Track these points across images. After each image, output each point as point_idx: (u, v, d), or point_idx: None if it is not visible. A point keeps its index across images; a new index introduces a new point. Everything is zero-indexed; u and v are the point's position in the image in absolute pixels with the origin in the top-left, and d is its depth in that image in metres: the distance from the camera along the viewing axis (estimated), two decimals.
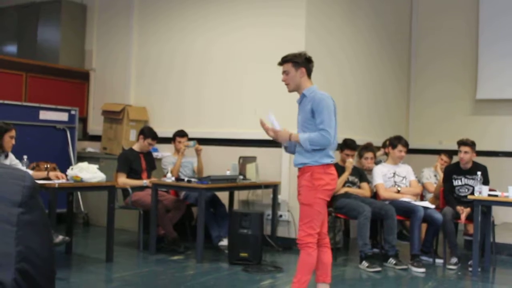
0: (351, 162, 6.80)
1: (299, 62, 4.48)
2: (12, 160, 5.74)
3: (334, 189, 4.56)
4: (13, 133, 5.71)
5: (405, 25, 9.80)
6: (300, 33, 7.29)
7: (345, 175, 6.71)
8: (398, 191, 6.75)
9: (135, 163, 7.00)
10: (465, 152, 6.58)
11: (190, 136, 7.71)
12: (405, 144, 6.90)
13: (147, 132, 7.10)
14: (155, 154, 7.60)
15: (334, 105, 4.47)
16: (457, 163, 6.73)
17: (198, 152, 7.22)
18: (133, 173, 6.97)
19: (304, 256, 4.34)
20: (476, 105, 9.30)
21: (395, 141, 6.84)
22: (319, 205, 4.33)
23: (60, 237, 5.63)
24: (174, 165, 7.09)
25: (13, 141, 5.72)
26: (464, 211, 6.31)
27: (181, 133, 7.32)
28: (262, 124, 4.46)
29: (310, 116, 4.38)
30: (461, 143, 6.64)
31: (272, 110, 4.52)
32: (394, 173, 6.84)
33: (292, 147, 4.52)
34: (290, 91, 4.57)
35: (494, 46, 9.03)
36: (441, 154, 7.90)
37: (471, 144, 6.58)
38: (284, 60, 4.52)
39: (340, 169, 6.79)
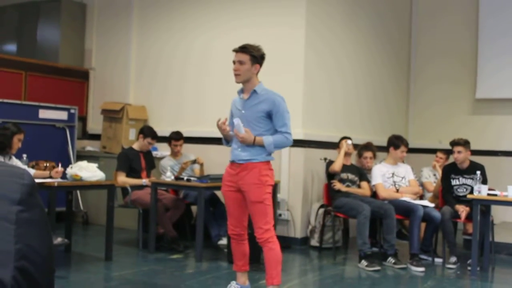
0: (346, 144, 6.84)
1: (257, 58, 4.42)
2: (14, 162, 5.75)
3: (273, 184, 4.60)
4: (22, 136, 5.74)
5: (405, 24, 9.80)
6: (300, 32, 7.29)
7: (341, 155, 6.81)
8: (397, 191, 6.76)
9: (134, 162, 7.01)
10: (458, 152, 6.59)
11: (190, 135, 7.72)
12: (407, 144, 6.91)
13: (147, 132, 7.11)
14: (154, 153, 7.60)
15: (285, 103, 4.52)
16: (455, 163, 6.73)
17: (198, 162, 7.31)
18: (133, 172, 6.97)
19: (267, 251, 4.40)
20: (475, 104, 9.31)
21: (397, 142, 6.83)
22: (268, 200, 4.40)
23: (59, 239, 5.63)
24: (177, 173, 7.07)
25: (20, 144, 5.74)
26: (464, 211, 6.31)
27: (176, 136, 7.31)
28: (220, 126, 4.48)
29: (264, 115, 4.39)
30: (454, 143, 6.65)
31: (237, 119, 4.42)
32: (393, 173, 6.84)
33: (230, 141, 4.60)
34: (237, 82, 4.48)
35: (493, 45, 9.03)
36: (437, 152, 7.91)
37: (464, 144, 6.58)
38: (243, 50, 4.43)
39: (355, 169, 6.85)
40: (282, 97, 4.48)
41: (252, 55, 4.39)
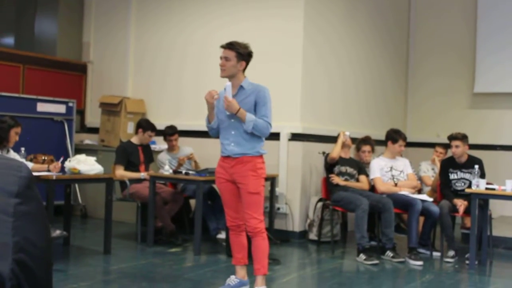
0: (343, 134, 6.85)
1: (243, 55, 4.54)
2: (12, 155, 5.74)
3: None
4: (19, 129, 5.72)
5: (403, 18, 9.79)
6: (298, 24, 7.28)
7: (339, 143, 6.83)
8: (395, 185, 6.76)
9: (133, 155, 7.00)
10: (456, 146, 6.58)
11: (188, 128, 7.72)
12: (405, 138, 6.91)
13: (146, 125, 7.09)
14: (153, 147, 7.59)
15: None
16: (453, 157, 6.73)
17: (192, 159, 7.32)
18: (131, 166, 6.96)
19: (260, 241, 4.52)
20: (473, 98, 9.31)
21: (396, 136, 6.83)
22: (263, 192, 4.57)
23: (58, 231, 5.63)
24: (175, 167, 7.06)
25: (17, 138, 5.73)
26: (462, 205, 6.32)
27: (170, 131, 7.30)
28: (212, 95, 4.56)
29: (253, 109, 4.51)
30: (451, 137, 6.65)
31: (230, 83, 4.54)
32: (392, 167, 6.84)
33: (215, 130, 4.71)
34: (222, 76, 4.63)
35: (491, 39, 9.02)
36: (436, 146, 7.92)
37: (461, 138, 6.57)
38: (230, 47, 4.57)
39: (341, 160, 6.83)
40: (267, 88, 4.62)
41: (238, 52, 4.52)
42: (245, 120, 4.44)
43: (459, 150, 6.58)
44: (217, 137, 4.81)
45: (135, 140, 7.13)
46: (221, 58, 4.61)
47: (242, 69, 4.58)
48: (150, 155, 7.27)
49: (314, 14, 7.49)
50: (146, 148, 7.21)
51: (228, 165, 4.61)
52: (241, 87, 4.57)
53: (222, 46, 4.63)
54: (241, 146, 4.53)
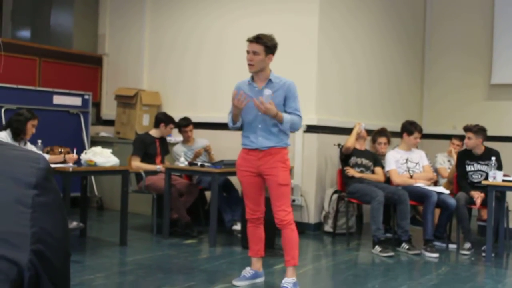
0: (358, 125, 6.84)
1: (271, 48, 4.47)
2: (29, 147, 5.80)
3: None
4: (36, 122, 5.78)
5: (420, 13, 9.70)
6: (313, 19, 7.26)
7: (354, 133, 6.83)
8: (411, 177, 6.73)
9: (150, 147, 7.03)
10: (469, 138, 6.53)
11: (204, 120, 7.74)
12: (421, 131, 6.87)
13: (166, 118, 7.12)
14: (168, 139, 7.61)
15: None
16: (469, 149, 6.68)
17: (209, 151, 7.33)
18: (147, 158, 6.99)
19: (289, 233, 4.52)
20: (491, 90, 9.21)
21: (411, 128, 6.79)
22: (290, 184, 4.60)
23: (75, 223, 5.68)
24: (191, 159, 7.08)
25: (34, 130, 5.78)
26: (479, 197, 6.28)
27: (184, 123, 7.33)
28: (239, 100, 4.42)
29: (282, 102, 4.48)
30: (465, 128, 6.60)
31: (269, 90, 4.42)
32: (407, 159, 6.81)
33: (237, 127, 4.65)
34: (251, 71, 4.53)
35: (509, 33, 8.91)
36: (452, 138, 7.86)
37: (475, 130, 6.49)
38: (257, 40, 4.46)
39: (356, 151, 6.82)
40: (293, 82, 4.61)
41: (266, 45, 4.43)
42: (282, 121, 4.42)
43: (471, 142, 6.52)
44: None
45: (154, 133, 7.14)
46: (248, 52, 4.48)
47: (269, 62, 4.54)
48: (166, 148, 7.30)
49: (330, 9, 7.46)
50: (162, 140, 7.24)
51: (254, 157, 4.57)
52: (270, 80, 4.53)
53: (249, 40, 4.50)
54: (270, 139, 4.51)
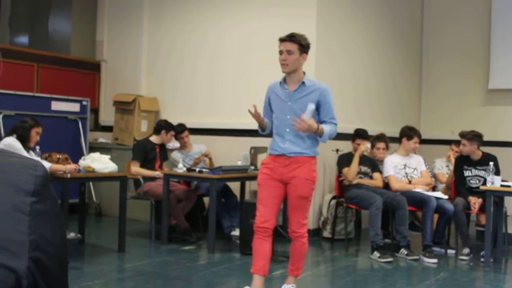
0: (364, 148, 6.78)
1: (305, 47, 4.27)
2: (31, 155, 5.79)
3: None
4: (40, 129, 5.78)
5: (417, 19, 9.72)
6: (311, 24, 7.26)
7: (356, 159, 6.71)
8: (409, 182, 6.73)
9: (150, 153, 7.03)
10: (463, 145, 6.55)
11: (202, 126, 7.75)
12: (420, 136, 6.88)
13: (167, 126, 7.12)
14: (166, 145, 7.61)
15: None
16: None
17: (208, 156, 7.35)
18: (147, 163, 6.99)
19: (300, 246, 4.38)
20: (488, 95, 9.22)
21: (411, 133, 6.79)
22: (311, 197, 4.39)
23: (72, 234, 5.66)
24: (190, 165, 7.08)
25: (38, 138, 5.79)
26: (476, 203, 6.28)
27: (180, 129, 7.33)
28: (255, 115, 4.29)
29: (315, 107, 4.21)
30: (460, 135, 6.62)
31: (312, 104, 4.14)
32: (405, 165, 6.81)
33: (269, 129, 4.44)
34: (285, 72, 4.27)
35: (506, 39, 8.92)
36: (452, 144, 7.86)
37: (470, 137, 6.49)
38: (291, 39, 4.24)
39: (368, 160, 6.81)
40: (329, 88, 4.38)
41: (301, 44, 4.23)
42: (322, 134, 4.20)
43: (466, 149, 6.55)
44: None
45: (155, 139, 7.14)
46: (281, 52, 4.24)
47: (303, 63, 4.32)
48: (165, 154, 7.30)
49: (327, 15, 7.47)
50: (162, 147, 7.24)
51: (279, 164, 4.28)
52: (303, 83, 4.27)
53: (282, 39, 4.27)
54: (298, 145, 4.25)
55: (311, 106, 4.10)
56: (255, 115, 4.32)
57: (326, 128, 4.21)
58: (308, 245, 4.48)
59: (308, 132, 4.18)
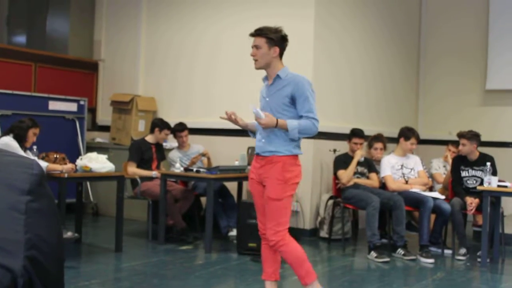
0: (360, 153, 6.78)
1: (274, 39, 4.01)
2: (28, 155, 5.78)
3: (299, 181, 4.19)
4: (37, 130, 5.78)
5: (415, 18, 9.73)
6: (309, 25, 7.27)
7: (353, 165, 6.69)
8: (406, 182, 6.74)
9: (147, 153, 7.02)
10: (463, 145, 6.55)
11: (199, 126, 7.74)
12: (418, 137, 6.87)
13: (162, 124, 7.11)
14: (164, 145, 7.61)
15: (313, 89, 4.06)
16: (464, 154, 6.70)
17: (206, 155, 7.35)
18: (143, 163, 6.98)
19: (283, 255, 4.02)
20: (485, 96, 9.24)
21: (408, 133, 6.80)
22: (288, 201, 3.99)
23: (69, 233, 5.66)
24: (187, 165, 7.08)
25: (35, 139, 5.78)
26: (473, 203, 6.29)
27: (179, 128, 7.32)
28: (229, 117, 4.15)
29: (288, 101, 3.96)
30: (459, 135, 6.62)
31: (252, 104, 3.99)
32: (402, 165, 6.82)
33: (256, 132, 4.21)
34: (257, 68, 4.10)
35: (503, 39, 8.94)
36: (449, 144, 7.87)
37: (469, 137, 6.52)
38: (258, 33, 4.06)
39: (350, 159, 6.78)
40: (308, 80, 4.07)
41: (268, 37, 4.01)
42: (288, 129, 3.91)
43: (465, 149, 6.55)
44: None
45: (150, 139, 7.14)
46: (252, 48, 4.09)
47: (277, 56, 4.04)
48: (162, 154, 7.29)
49: (325, 15, 7.47)
50: (158, 146, 7.23)
51: (258, 164, 4.09)
52: (278, 76, 4.04)
53: (251, 34, 4.09)
54: (272, 143, 3.99)
55: (253, 108, 3.91)
56: (232, 121, 4.17)
57: (293, 123, 3.90)
58: (295, 248, 4.03)
59: (270, 128, 3.95)
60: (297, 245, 4.03)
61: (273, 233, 3.95)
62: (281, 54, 4.09)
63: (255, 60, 4.09)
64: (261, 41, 4.04)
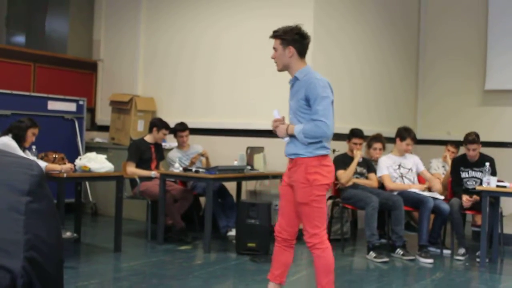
0: (360, 154, 6.78)
1: (288, 39, 3.92)
2: (27, 155, 5.78)
3: (331, 182, 4.03)
4: (36, 130, 5.77)
5: (414, 19, 9.73)
6: (308, 25, 7.22)
7: (353, 165, 6.69)
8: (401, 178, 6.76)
9: (145, 153, 7.02)
10: (473, 150, 6.55)
11: (198, 126, 7.74)
12: (414, 138, 6.87)
13: (160, 123, 7.11)
14: (163, 145, 7.61)
15: (332, 90, 3.94)
16: (464, 155, 6.71)
17: (205, 155, 7.33)
18: (142, 163, 6.98)
19: (316, 259, 3.93)
20: (484, 96, 9.25)
21: (404, 134, 6.79)
22: (318, 202, 3.87)
23: (68, 233, 5.66)
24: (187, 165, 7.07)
25: (34, 139, 5.78)
26: (469, 201, 6.30)
27: (181, 127, 7.32)
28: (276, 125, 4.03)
29: (304, 103, 3.85)
30: (468, 141, 6.57)
31: (276, 110, 4.00)
32: (400, 165, 6.81)
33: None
34: (278, 70, 4.05)
35: (503, 40, 8.94)
36: (448, 144, 7.87)
37: (478, 141, 6.55)
38: (273, 35, 4.00)
39: (349, 159, 6.78)
40: (322, 79, 3.91)
41: (281, 38, 3.93)
42: (295, 134, 3.86)
43: (476, 153, 6.57)
44: None
45: (148, 138, 7.14)
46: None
47: (294, 56, 3.93)
48: (161, 153, 7.29)
49: (324, 16, 7.48)
50: (157, 146, 7.23)
51: (289, 166, 4.02)
52: (295, 77, 3.93)
53: (270, 37, 4.04)
54: (295, 145, 3.90)
55: (274, 113, 3.96)
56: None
57: (298, 128, 3.85)
58: (329, 256, 3.92)
59: (281, 135, 3.97)
60: (331, 254, 3.96)
61: (309, 236, 3.91)
62: (300, 53, 3.97)
63: (276, 63, 4.04)
64: (276, 43, 3.98)
